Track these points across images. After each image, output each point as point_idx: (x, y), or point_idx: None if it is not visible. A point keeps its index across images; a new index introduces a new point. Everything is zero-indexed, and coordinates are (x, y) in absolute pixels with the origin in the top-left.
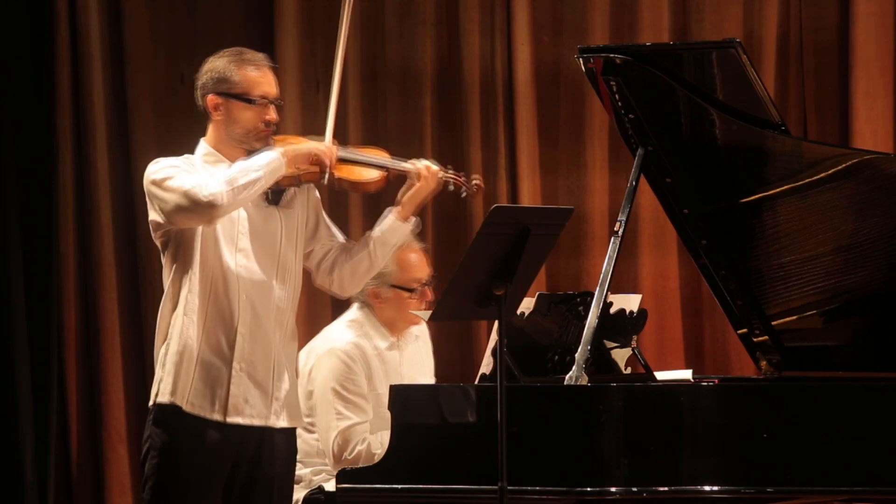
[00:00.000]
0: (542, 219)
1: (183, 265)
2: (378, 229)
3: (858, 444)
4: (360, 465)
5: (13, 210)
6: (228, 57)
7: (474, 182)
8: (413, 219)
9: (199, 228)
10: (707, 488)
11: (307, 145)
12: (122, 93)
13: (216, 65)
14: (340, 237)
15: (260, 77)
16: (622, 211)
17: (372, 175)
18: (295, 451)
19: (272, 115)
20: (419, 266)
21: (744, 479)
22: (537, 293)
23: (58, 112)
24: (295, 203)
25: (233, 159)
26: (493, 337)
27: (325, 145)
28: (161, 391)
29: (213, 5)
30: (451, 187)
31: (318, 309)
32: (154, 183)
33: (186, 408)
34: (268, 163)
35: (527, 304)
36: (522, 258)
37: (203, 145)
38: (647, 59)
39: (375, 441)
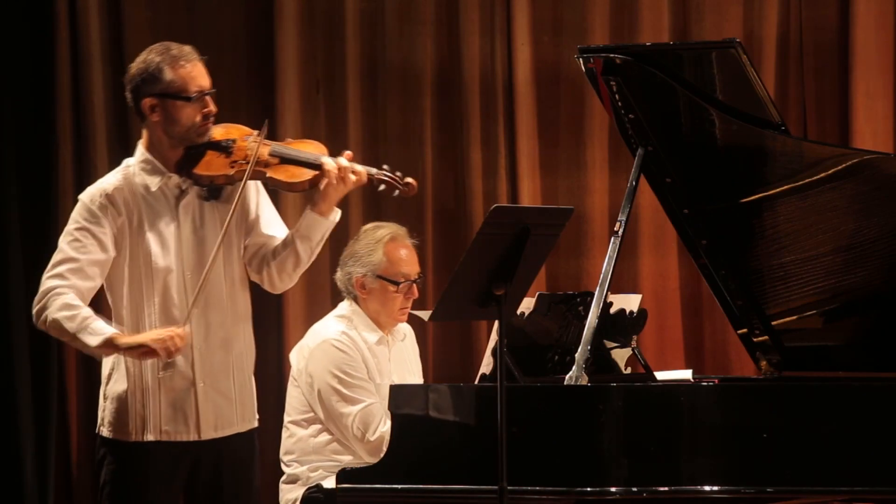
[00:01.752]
0: (542, 219)
1: (116, 302)
2: (298, 225)
3: (858, 444)
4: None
5: (13, 210)
6: (156, 55)
7: (406, 181)
8: (335, 213)
9: (124, 260)
10: (707, 488)
11: (142, 338)
12: (122, 93)
13: (145, 66)
14: (281, 233)
15: (193, 71)
16: (622, 211)
17: (304, 175)
18: (255, 446)
19: (210, 107)
20: (408, 261)
21: (744, 479)
22: (537, 293)
23: (58, 112)
24: (231, 199)
25: (169, 163)
26: (493, 337)
27: (168, 332)
28: (111, 426)
29: (212, 5)
30: (383, 187)
31: (317, 309)
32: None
33: (162, 438)
34: (87, 337)
35: (527, 304)
36: (522, 258)
37: (140, 151)
38: (647, 58)
39: None
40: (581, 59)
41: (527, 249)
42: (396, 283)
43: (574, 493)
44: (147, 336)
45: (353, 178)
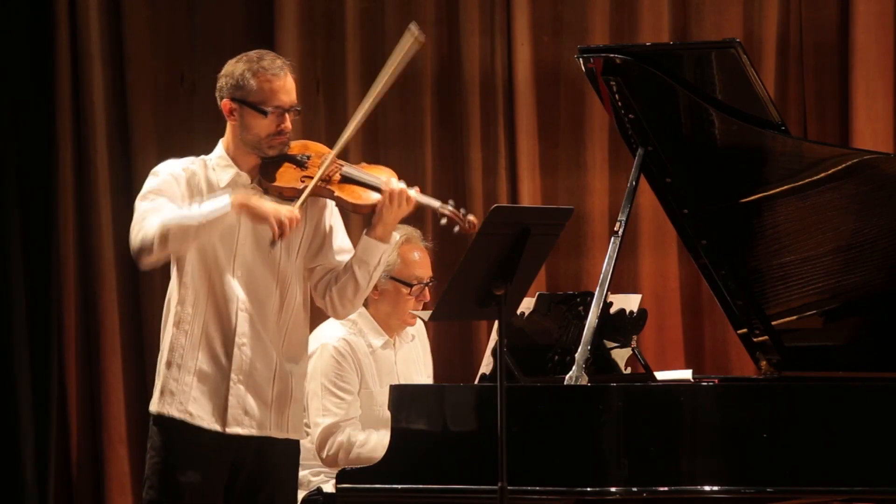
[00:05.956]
0: (542, 219)
1: (180, 275)
2: (356, 251)
3: (858, 444)
4: (340, 459)
5: (13, 210)
6: (246, 63)
7: (469, 219)
8: (394, 238)
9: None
10: (707, 488)
11: (267, 208)
12: (122, 93)
13: (233, 69)
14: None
15: (276, 86)
16: (622, 211)
17: (369, 198)
18: (297, 460)
19: (286, 123)
20: (421, 264)
21: (744, 479)
22: (537, 293)
23: (58, 112)
24: (302, 216)
25: (245, 166)
26: (493, 337)
27: (288, 213)
28: (155, 400)
29: (213, 5)
30: (444, 220)
31: (318, 309)
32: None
33: (185, 418)
34: (211, 210)
35: (527, 304)
36: (522, 258)
37: (219, 147)
38: (647, 59)
39: (356, 434)
40: (581, 59)
41: (527, 249)
42: (409, 285)
43: (574, 493)
44: (272, 210)
45: (404, 204)
